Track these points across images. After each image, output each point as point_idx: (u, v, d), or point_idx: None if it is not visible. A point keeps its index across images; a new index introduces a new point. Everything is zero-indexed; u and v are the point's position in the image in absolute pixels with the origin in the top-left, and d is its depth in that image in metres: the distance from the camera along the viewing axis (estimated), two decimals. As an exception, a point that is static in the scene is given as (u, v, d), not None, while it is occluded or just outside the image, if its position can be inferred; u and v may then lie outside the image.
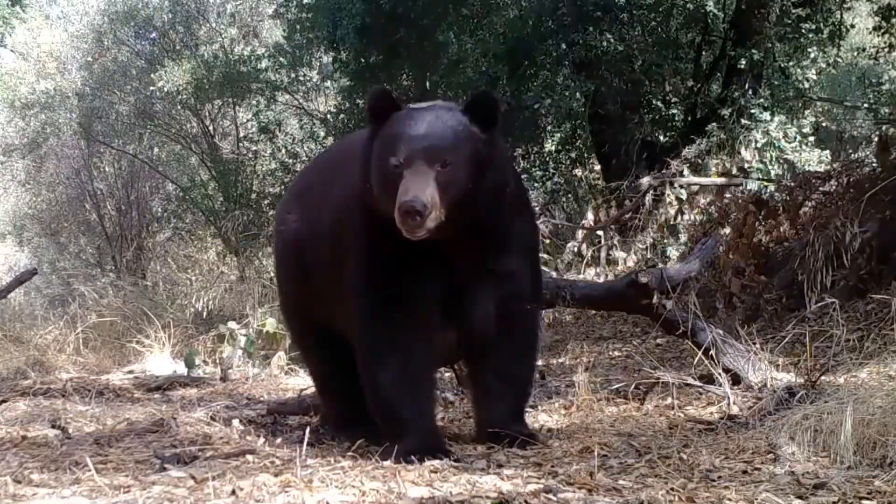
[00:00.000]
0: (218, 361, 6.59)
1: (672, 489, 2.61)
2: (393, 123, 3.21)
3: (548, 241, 8.31)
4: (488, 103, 3.29)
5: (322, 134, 13.05)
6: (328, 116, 12.80)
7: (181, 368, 6.75)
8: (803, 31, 8.79)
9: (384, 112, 3.25)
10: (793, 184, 7.27)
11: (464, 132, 3.19)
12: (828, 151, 9.06)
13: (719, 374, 4.18)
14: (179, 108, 14.20)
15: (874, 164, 6.44)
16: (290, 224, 3.84)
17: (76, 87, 14.68)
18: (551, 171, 10.30)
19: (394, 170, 3.09)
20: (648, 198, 8.16)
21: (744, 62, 8.89)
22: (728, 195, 8.06)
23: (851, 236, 5.55)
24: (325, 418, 4.07)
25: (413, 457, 3.01)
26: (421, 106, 3.34)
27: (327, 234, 3.55)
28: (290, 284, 3.95)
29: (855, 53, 10.09)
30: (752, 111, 8.67)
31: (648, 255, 7.92)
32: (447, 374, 4.76)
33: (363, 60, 10.84)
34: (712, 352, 4.32)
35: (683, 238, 7.92)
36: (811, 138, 9.03)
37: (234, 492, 2.56)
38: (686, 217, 8.11)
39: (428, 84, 11.25)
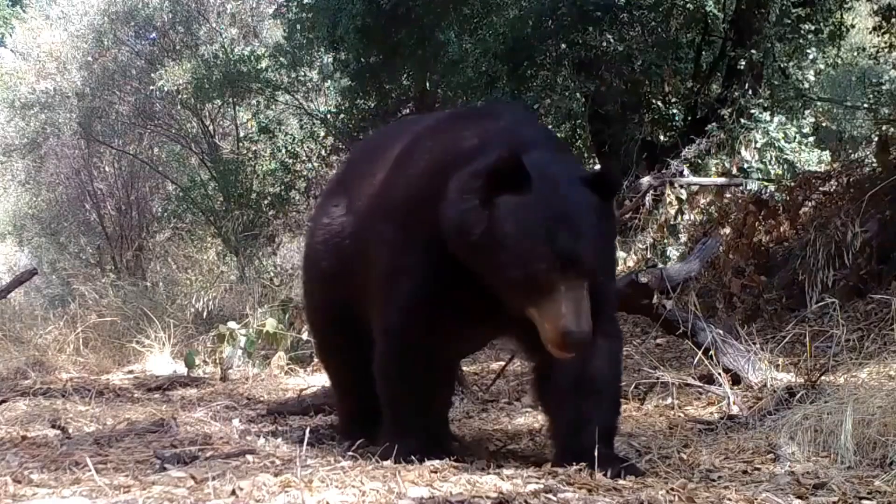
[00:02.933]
0: (218, 361, 6.59)
1: (672, 489, 2.60)
2: (529, 206, 2.79)
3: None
4: (615, 180, 3.09)
5: (322, 134, 13.07)
6: (328, 116, 12.81)
7: (181, 368, 6.75)
8: (802, 31, 8.79)
9: (510, 182, 2.81)
10: (793, 184, 7.28)
11: (606, 226, 2.97)
12: (828, 151, 9.06)
13: (719, 374, 4.18)
14: (179, 108, 14.21)
15: (874, 164, 6.44)
16: (336, 215, 3.60)
17: (76, 87, 14.68)
18: (551, 170, 10.28)
19: (542, 274, 2.74)
20: (648, 198, 8.15)
21: (743, 62, 8.90)
22: (728, 195, 8.06)
23: (852, 236, 5.55)
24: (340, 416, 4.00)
25: (413, 457, 3.00)
26: (553, 177, 2.87)
27: (377, 228, 3.29)
28: (326, 277, 3.64)
29: (855, 53, 10.09)
30: (752, 111, 8.67)
31: (648, 255, 7.91)
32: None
33: (363, 60, 10.85)
34: (712, 352, 4.33)
35: (683, 238, 7.92)
36: (811, 138, 9.03)
37: (234, 492, 2.56)
38: (686, 217, 8.11)
39: (428, 84, 11.26)
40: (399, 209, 3.19)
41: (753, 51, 8.77)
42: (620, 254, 8.04)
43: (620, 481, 2.75)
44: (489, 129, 3.14)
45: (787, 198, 6.94)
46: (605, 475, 2.80)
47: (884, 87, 9.46)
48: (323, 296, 3.75)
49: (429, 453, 3.03)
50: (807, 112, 9.59)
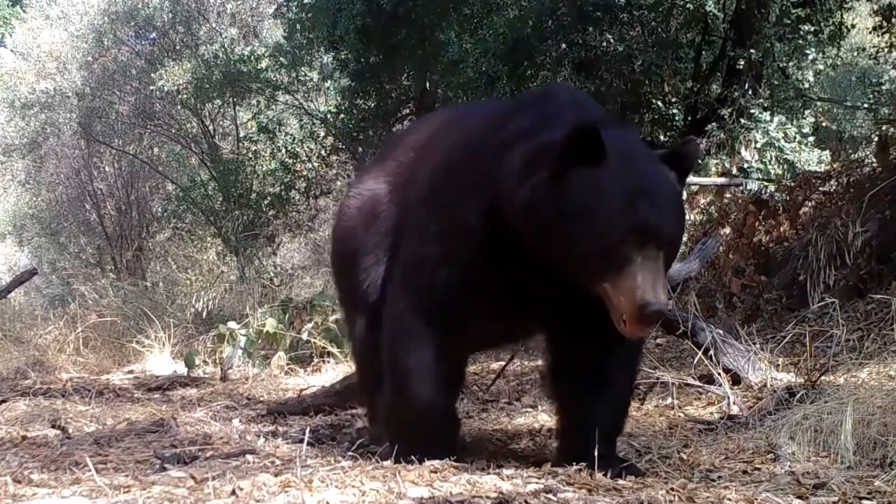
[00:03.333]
0: (218, 361, 6.59)
1: (672, 489, 2.60)
2: (605, 177, 2.66)
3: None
4: (693, 156, 2.93)
5: (322, 134, 13.06)
6: (328, 116, 12.81)
7: (181, 368, 6.76)
8: (802, 32, 8.79)
9: (584, 153, 2.67)
10: (793, 184, 7.28)
11: (680, 199, 2.84)
12: (828, 151, 9.06)
13: (719, 374, 4.18)
14: (179, 108, 14.21)
15: (874, 164, 6.45)
16: (381, 197, 3.38)
17: (76, 87, 14.69)
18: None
19: (618, 245, 2.61)
20: (649, 198, 8.14)
21: (742, 62, 8.90)
22: (728, 195, 8.06)
23: (852, 236, 5.56)
24: (373, 421, 3.62)
25: (413, 457, 3.00)
26: (628, 150, 2.79)
27: (413, 216, 3.12)
28: (362, 264, 3.39)
29: (855, 53, 10.09)
30: (752, 111, 8.67)
31: (648, 255, 7.89)
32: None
33: (363, 60, 10.85)
34: (712, 352, 4.33)
35: (683, 238, 7.91)
36: (811, 138, 9.02)
37: (234, 492, 2.56)
38: (686, 217, 8.10)
39: (428, 84, 11.26)
40: (438, 195, 3.02)
41: (753, 51, 8.77)
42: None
43: (620, 481, 2.75)
44: (547, 107, 3.00)
45: (787, 198, 6.94)
46: (605, 475, 2.79)
47: (884, 87, 9.46)
48: (362, 283, 3.42)
49: (431, 454, 3.02)
50: (807, 112, 9.58)
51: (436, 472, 2.84)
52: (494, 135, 2.97)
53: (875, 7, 8.99)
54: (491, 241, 2.86)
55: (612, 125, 2.93)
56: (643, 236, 2.63)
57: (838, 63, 10.00)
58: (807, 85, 9.43)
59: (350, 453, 3.17)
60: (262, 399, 5.25)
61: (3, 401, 5.01)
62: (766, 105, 8.86)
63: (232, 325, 6.74)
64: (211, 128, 14.50)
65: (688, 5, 9.19)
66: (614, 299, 2.66)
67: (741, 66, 8.97)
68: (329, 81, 13.24)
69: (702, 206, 8.21)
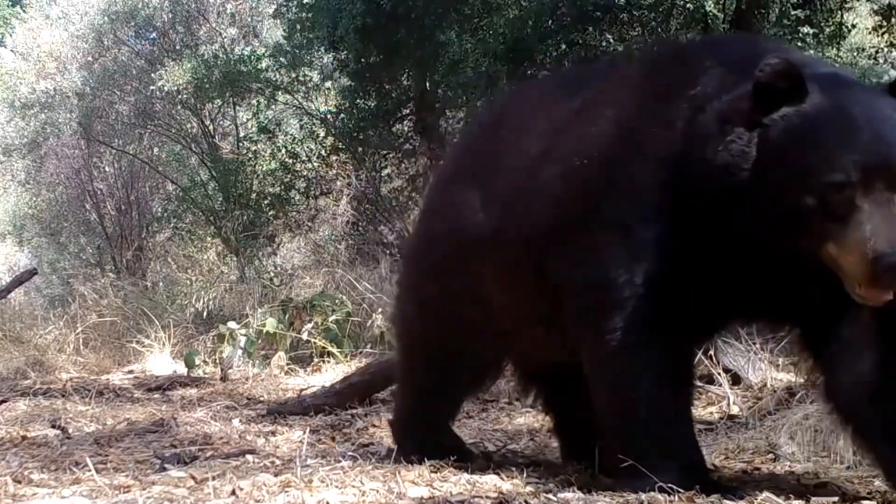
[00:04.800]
0: (218, 361, 6.60)
1: (672, 489, 2.60)
2: (814, 112, 2.27)
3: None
4: None
5: (322, 134, 13.06)
6: (328, 116, 12.81)
7: (181, 368, 6.76)
8: (802, 33, 8.79)
9: (784, 92, 2.28)
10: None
11: None
12: (828, 151, 9.04)
13: (719, 374, 4.18)
14: (179, 108, 14.21)
15: (874, 164, 6.44)
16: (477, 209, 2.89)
17: (76, 87, 14.68)
18: (552, 170, 10.26)
19: (841, 189, 2.19)
20: (649, 197, 8.13)
21: (743, 62, 8.92)
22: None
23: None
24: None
25: (413, 457, 3.01)
26: (839, 81, 2.40)
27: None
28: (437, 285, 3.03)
29: (855, 53, 10.09)
30: (752, 111, 8.67)
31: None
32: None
33: (363, 60, 10.85)
34: (712, 352, 4.33)
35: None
36: (811, 138, 9.02)
37: (234, 492, 2.56)
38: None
39: (428, 84, 11.26)
40: (646, 192, 2.47)
41: (753, 51, 8.78)
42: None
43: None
44: (731, 55, 2.54)
45: (788, 198, 6.93)
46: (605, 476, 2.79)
47: (884, 88, 9.45)
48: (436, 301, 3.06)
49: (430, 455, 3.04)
50: (807, 112, 9.58)
51: (436, 472, 2.84)
52: (666, 99, 2.53)
53: (875, 7, 9.00)
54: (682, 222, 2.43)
55: (811, 60, 2.53)
56: (869, 175, 2.18)
57: (838, 63, 9.99)
58: (806, 85, 9.43)
59: (350, 453, 3.17)
60: (262, 399, 5.25)
61: (3, 401, 5.01)
62: (766, 105, 8.86)
63: (232, 325, 6.74)
64: (211, 128, 14.49)
65: (688, 5, 9.19)
66: (842, 260, 2.21)
67: (741, 67, 8.98)
68: (329, 81, 13.23)
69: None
